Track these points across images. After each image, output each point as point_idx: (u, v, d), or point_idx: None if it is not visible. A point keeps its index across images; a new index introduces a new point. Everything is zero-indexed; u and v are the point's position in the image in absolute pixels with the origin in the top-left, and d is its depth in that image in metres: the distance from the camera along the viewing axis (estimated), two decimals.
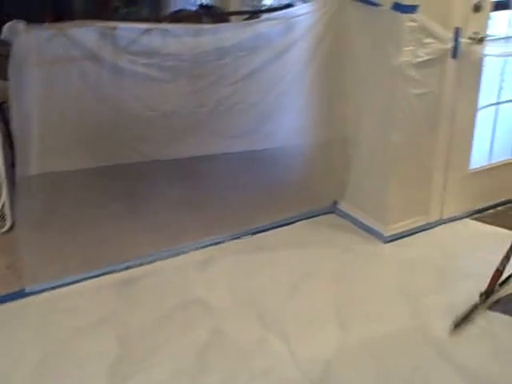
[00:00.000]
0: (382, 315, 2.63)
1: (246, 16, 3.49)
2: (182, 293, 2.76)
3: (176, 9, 4.65)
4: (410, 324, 2.57)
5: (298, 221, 3.39)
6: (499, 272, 2.67)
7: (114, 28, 2.73)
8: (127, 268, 2.92)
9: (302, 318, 2.60)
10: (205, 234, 3.17)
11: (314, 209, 3.45)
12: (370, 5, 2.96)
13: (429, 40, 2.92)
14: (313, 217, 3.43)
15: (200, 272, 2.93)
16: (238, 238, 3.22)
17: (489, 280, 2.66)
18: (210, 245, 3.14)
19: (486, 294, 2.67)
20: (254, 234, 3.26)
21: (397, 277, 2.91)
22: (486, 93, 3.32)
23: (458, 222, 3.39)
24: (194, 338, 2.45)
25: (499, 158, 3.55)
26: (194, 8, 4.41)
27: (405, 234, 3.24)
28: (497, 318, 2.61)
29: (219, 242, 3.17)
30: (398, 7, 2.85)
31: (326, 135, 3.31)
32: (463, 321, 2.56)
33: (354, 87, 3.18)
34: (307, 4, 3.11)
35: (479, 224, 3.40)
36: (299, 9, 3.13)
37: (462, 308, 2.63)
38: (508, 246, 2.67)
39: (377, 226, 3.23)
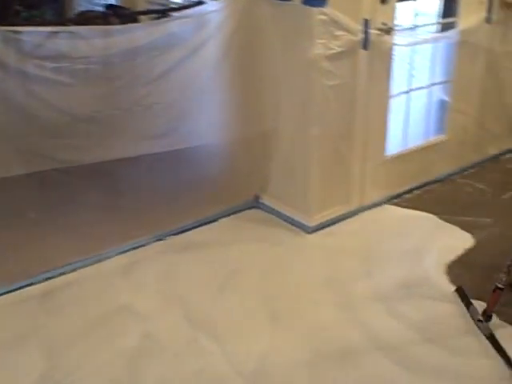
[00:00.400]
0: (312, 306, 2.67)
1: (156, 15, 3.43)
2: (107, 300, 2.70)
3: (80, 10, 4.52)
4: (339, 312, 2.62)
5: (222, 217, 3.38)
6: (500, 290, 2.46)
7: (17, 32, 2.62)
8: (48, 279, 2.83)
9: (231, 315, 2.60)
10: (128, 237, 3.11)
11: (237, 204, 3.45)
12: (280, 0, 2.98)
13: (340, 32, 2.98)
14: (236, 212, 3.43)
15: (125, 277, 2.88)
16: (162, 239, 3.18)
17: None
18: (134, 248, 3.09)
19: (487, 317, 2.49)
20: (177, 233, 3.23)
21: (324, 266, 2.96)
22: (398, 81, 3.42)
23: (377, 207, 3.48)
24: (123, 345, 2.41)
25: (413, 143, 3.67)
26: (99, 9, 4.30)
27: (328, 223, 3.29)
28: None
29: (143, 245, 3.12)
30: (308, 1, 2.89)
31: (245, 131, 3.31)
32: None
33: (270, 82, 3.20)
34: (217, 1, 3.09)
35: (398, 208, 3.50)
36: (209, 6, 3.12)
37: (390, 292, 2.72)
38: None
39: (300, 218, 3.27)
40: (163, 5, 3.85)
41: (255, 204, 3.50)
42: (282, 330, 2.51)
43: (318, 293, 2.76)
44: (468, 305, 2.60)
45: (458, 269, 2.90)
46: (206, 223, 3.33)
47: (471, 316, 2.54)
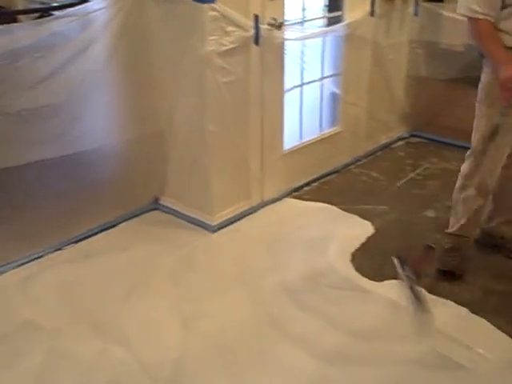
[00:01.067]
0: (223, 306, 2.63)
1: (37, 14, 3.26)
2: (6, 317, 2.54)
3: None
4: (251, 309, 2.61)
5: (122, 222, 3.28)
6: (432, 248, 2.57)
7: None
8: None
9: (141, 321, 2.52)
10: (23, 250, 2.94)
11: (136, 207, 3.35)
12: None
13: (231, 28, 2.95)
14: (136, 216, 3.34)
15: (23, 292, 2.71)
16: (60, 248, 3.03)
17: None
18: (30, 261, 2.93)
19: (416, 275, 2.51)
20: (77, 242, 3.10)
21: (231, 264, 2.93)
22: (291, 75, 3.45)
23: (278, 202, 3.50)
24: (29, 363, 2.27)
25: (309, 136, 3.72)
26: None
27: (231, 220, 3.27)
28: None
29: (40, 257, 2.96)
30: None
31: (139, 131, 3.22)
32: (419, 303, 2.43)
33: (163, 80, 3.13)
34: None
35: (298, 201, 3.54)
36: (94, 4, 2.99)
37: (297, 284, 2.74)
38: None
39: (202, 217, 3.23)
40: (44, 3, 3.67)
41: (155, 206, 3.42)
42: (195, 333, 2.45)
43: (227, 292, 2.73)
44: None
45: (362, 256, 2.97)
46: (105, 229, 3.21)
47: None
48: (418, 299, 2.38)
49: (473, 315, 2.54)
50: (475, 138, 2.71)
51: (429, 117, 4.26)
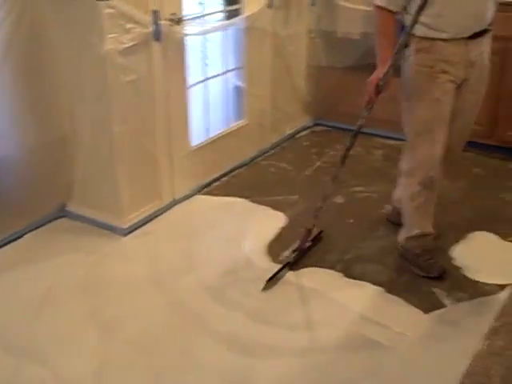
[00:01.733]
0: (141, 310, 2.58)
1: None
2: None
3: None
4: (170, 309, 2.58)
5: (28, 232, 3.13)
6: (309, 230, 2.87)
7: None
8: None
9: (57, 334, 2.42)
10: None
11: (42, 216, 3.21)
12: None
13: (130, 25, 2.89)
14: (43, 225, 3.20)
15: None
16: None
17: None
18: None
19: (299, 252, 2.84)
20: None
21: (146, 267, 2.87)
22: (194, 71, 3.42)
23: (190, 199, 3.46)
24: None
25: (216, 131, 3.70)
26: None
27: (143, 222, 3.21)
28: None
29: None
30: None
31: (40, 137, 3.08)
32: (273, 278, 2.69)
33: (64, 83, 3.01)
34: None
35: (210, 197, 3.52)
36: None
37: (216, 280, 2.74)
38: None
39: (113, 221, 3.15)
40: None
41: (62, 213, 3.29)
42: (114, 340, 2.39)
43: (145, 295, 2.67)
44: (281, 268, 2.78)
45: (277, 247, 2.99)
46: (10, 241, 3.05)
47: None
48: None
49: (388, 295, 2.62)
50: (409, 133, 2.71)
51: (330, 105, 4.36)
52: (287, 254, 2.91)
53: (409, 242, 2.83)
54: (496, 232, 3.05)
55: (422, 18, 2.41)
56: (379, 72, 2.57)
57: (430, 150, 2.64)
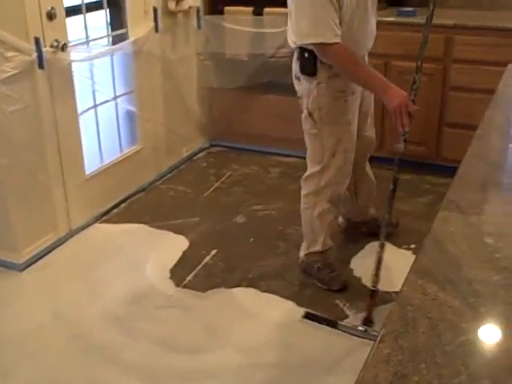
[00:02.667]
0: (42, 347, 2.47)
1: None
2: None
3: None
4: (74, 343, 2.49)
5: None
6: (375, 292, 2.53)
7: None
8: None
9: None
10: None
11: None
12: None
13: (11, 53, 2.79)
14: None
15: None
16: None
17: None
18: None
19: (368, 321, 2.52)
20: None
21: (45, 302, 2.76)
22: (83, 97, 3.35)
23: (88, 228, 3.36)
24: None
25: (110, 157, 3.62)
26: None
27: (40, 255, 3.08)
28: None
29: None
30: None
31: None
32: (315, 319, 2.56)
33: None
34: None
35: (108, 225, 3.43)
36: None
37: (120, 310, 2.67)
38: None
39: (7, 257, 3.00)
40: None
41: None
42: (17, 382, 2.27)
43: (45, 331, 2.56)
44: (330, 323, 2.56)
45: (181, 271, 2.96)
46: None
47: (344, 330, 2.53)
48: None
49: (297, 307, 2.67)
50: (321, 156, 2.69)
51: (225, 125, 4.38)
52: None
53: (310, 257, 2.88)
54: (391, 241, 3.15)
55: None
56: (399, 97, 2.42)
57: (343, 169, 2.72)
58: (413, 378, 0.88)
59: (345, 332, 2.50)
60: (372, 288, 2.52)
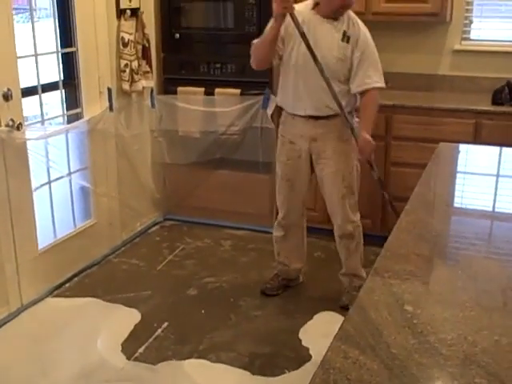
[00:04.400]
0: None
1: None
2: None
3: None
4: None
5: None
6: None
7: None
8: None
9: None
10: None
11: None
12: None
13: None
14: None
15: None
16: None
17: None
18: None
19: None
20: None
21: None
22: (37, 174, 3.43)
23: (39, 303, 3.36)
24: None
25: (63, 232, 3.68)
26: None
27: None
28: None
29: None
30: None
31: None
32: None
33: None
34: None
35: (60, 299, 3.44)
36: None
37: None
38: None
39: None
40: None
41: None
42: None
43: None
44: None
45: (132, 344, 2.98)
46: None
47: None
48: None
49: (248, 376, 2.74)
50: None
51: (178, 200, 4.49)
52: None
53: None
54: (339, 312, 3.25)
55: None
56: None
57: (278, 198, 3.34)
58: None
59: None
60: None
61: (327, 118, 3.08)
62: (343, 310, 3.16)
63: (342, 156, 3.12)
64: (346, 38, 2.99)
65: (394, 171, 3.92)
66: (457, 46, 4.26)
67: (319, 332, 3.09)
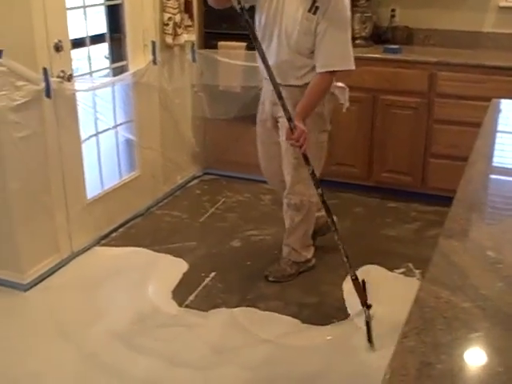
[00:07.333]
0: (50, 363, 2.55)
1: None
2: None
3: None
4: (81, 360, 2.57)
5: None
6: (357, 280, 2.81)
7: None
8: None
9: None
10: None
11: None
12: None
13: (21, 83, 2.92)
14: None
15: None
16: None
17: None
18: None
19: (367, 305, 2.78)
20: None
21: (50, 321, 2.85)
22: (86, 125, 3.48)
23: (88, 251, 3.46)
24: None
25: (110, 183, 3.75)
26: None
27: (44, 276, 3.18)
28: None
29: None
30: None
31: None
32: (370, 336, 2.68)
33: None
34: None
35: (108, 248, 3.54)
36: None
37: (125, 329, 2.76)
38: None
39: (11, 277, 3.09)
40: None
41: None
42: None
43: (52, 348, 2.65)
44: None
45: (182, 292, 3.07)
46: None
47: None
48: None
49: (298, 324, 2.83)
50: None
51: (217, 154, 4.54)
52: (362, 313, 2.81)
53: None
54: (381, 265, 3.31)
55: None
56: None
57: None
58: (436, 366, 1.03)
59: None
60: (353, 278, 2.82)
61: (288, 86, 2.90)
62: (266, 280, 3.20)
63: None
64: (313, 8, 2.71)
65: (437, 128, 3.92)
66: (502, 3, 4.19)
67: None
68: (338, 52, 2.79)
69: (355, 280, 2.81)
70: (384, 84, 3.94)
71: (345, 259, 2.84)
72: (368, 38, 4.31)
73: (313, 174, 2.82)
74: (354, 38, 4.22)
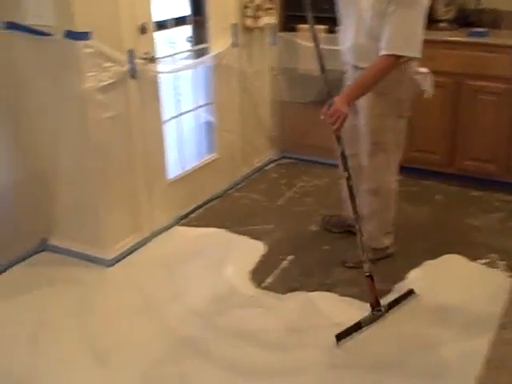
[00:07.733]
0: (134, 336, 2.63)
1: None
2: None
3: None
4: (164, 335, 2.64)
5: (10, 267, 3.15)
6: (372, 278, 2.73)
7: None
8: None
9: (53, 367, 2.45)
10: None
11: (23, 250, 3.23)
12: (38, 35, 2.88)
13: (108, 64, 2.98)
14: (25, 259, 3.22)
15: None
16: None
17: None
18: None
19: (377, 304, 2.72)
20: None
21: (133, 296, 2.93)
22: (168, 107, 3.53)
23: (169, 231, 3.53)
24: None
25: (190, 164, 3.81)
26: None
27: (126, 253, 3.27)
28: None
29: None
30: (71, 35, 2.84)
31: (20, 173, 3.13)
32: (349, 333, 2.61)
33: (42, 120, 3.09)
34: None
35: (188, 228, 3.60)
36: None
37: (204, 308, 2.82)
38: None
39: (96, 253, 3.20)
40: None
41: (43, 247, 3.31)
42: (112, 367, 2.43)
43: (135, 322, 2.73)
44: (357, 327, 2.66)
45: (260, 274, 3.09)
46: None
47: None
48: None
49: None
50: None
51: (295, 138, 4.52)
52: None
53: None
54: (463, 254, 3.22)
55: None
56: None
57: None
58: None
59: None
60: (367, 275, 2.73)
61: (363, 69, 2.85)
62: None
63: (368, 110, 2.95)
64: None
65: None
66: None
67: (443, 273, 3.09)
68: (404, 35, 2.67)
69: (368, 277, 2.73)
70: (468, 69, 3.81)
71: (361, 252, 2.77)
72: (452, 21, 4.18)
73: (342, 155, 2.80)
74: (437, 21, 4.13)
